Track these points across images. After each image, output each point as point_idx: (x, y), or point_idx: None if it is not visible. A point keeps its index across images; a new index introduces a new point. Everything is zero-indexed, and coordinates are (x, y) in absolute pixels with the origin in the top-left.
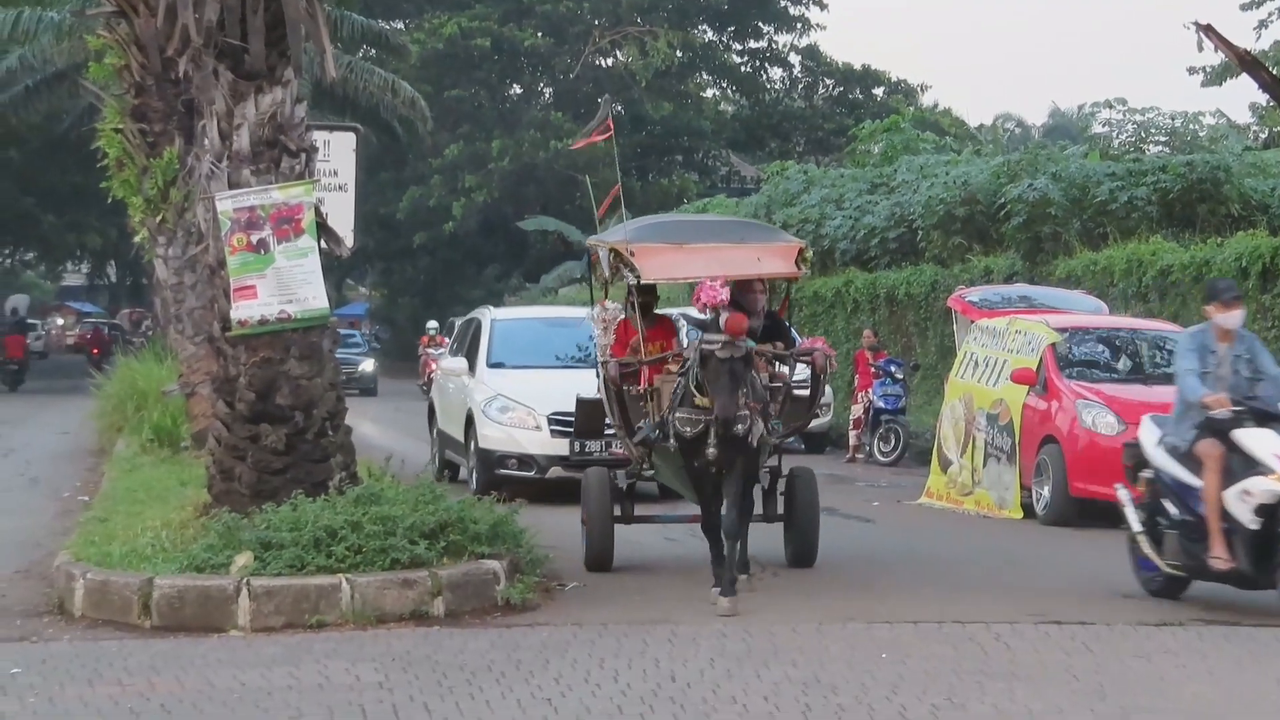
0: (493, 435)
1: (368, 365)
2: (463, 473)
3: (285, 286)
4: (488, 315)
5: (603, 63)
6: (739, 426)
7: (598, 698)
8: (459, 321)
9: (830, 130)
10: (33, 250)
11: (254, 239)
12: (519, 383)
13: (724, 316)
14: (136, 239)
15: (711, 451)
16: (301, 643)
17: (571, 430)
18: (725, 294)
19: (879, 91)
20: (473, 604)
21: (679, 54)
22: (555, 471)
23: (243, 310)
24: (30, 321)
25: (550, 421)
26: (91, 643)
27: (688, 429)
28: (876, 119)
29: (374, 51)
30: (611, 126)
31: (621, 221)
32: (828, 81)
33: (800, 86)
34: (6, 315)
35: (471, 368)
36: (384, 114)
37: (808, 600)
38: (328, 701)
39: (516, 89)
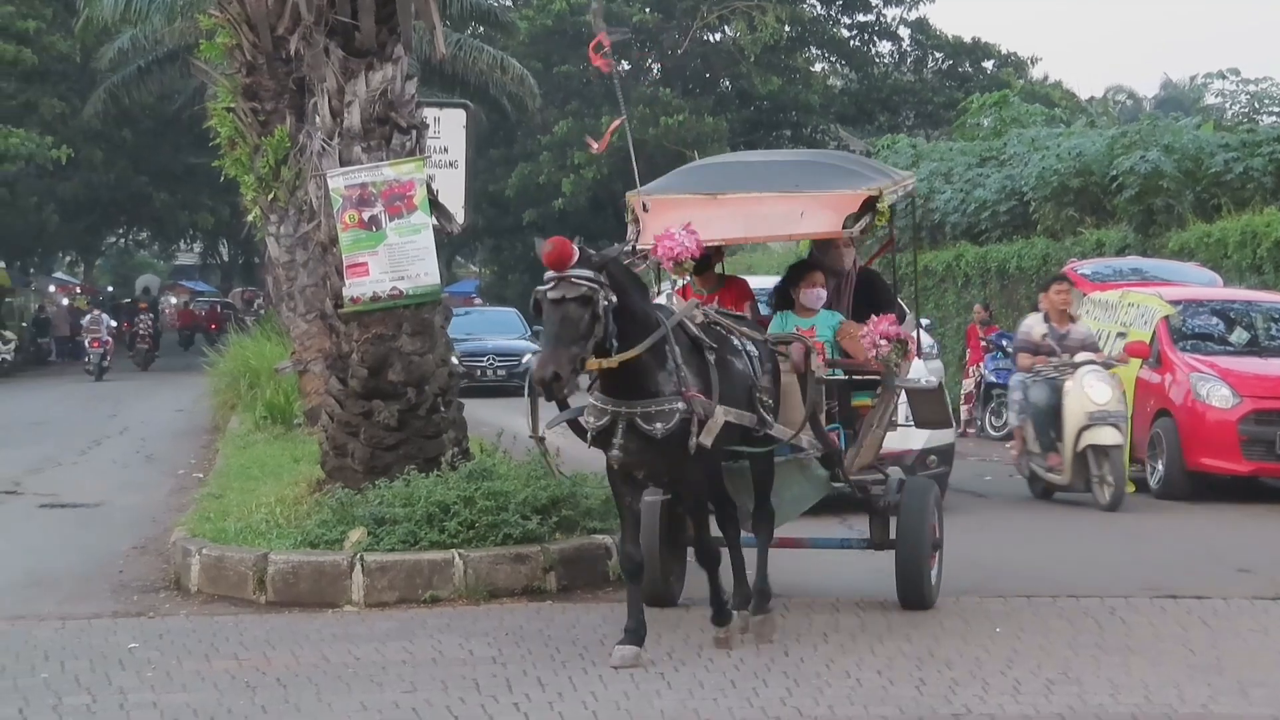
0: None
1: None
2: None
3: (397, 263)
4: None
5: (710, 38)
6: (658, 425)
7: (710, 672)
8: None
9: (940, 104)
10: (146, 230)
11: (366, 216)
12: None
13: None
14: (249, 217)
15: (615, 454)
16: (415, 618)
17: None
18: (690, 244)
19: (989, 64)
20: (585, 579)
21: (787, 28)
22: None
23: (355, 287)
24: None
25: None
26: (207, 618)
27: (592, 419)
28: (986, 92)
29: (482, 29)
30: (606, 43)
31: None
32: (937, 55)
33: (909, 60)
34: (139, 294)
35: None
36: (493, 91)
37: None
38: (442, 676)
39: (625, 65)
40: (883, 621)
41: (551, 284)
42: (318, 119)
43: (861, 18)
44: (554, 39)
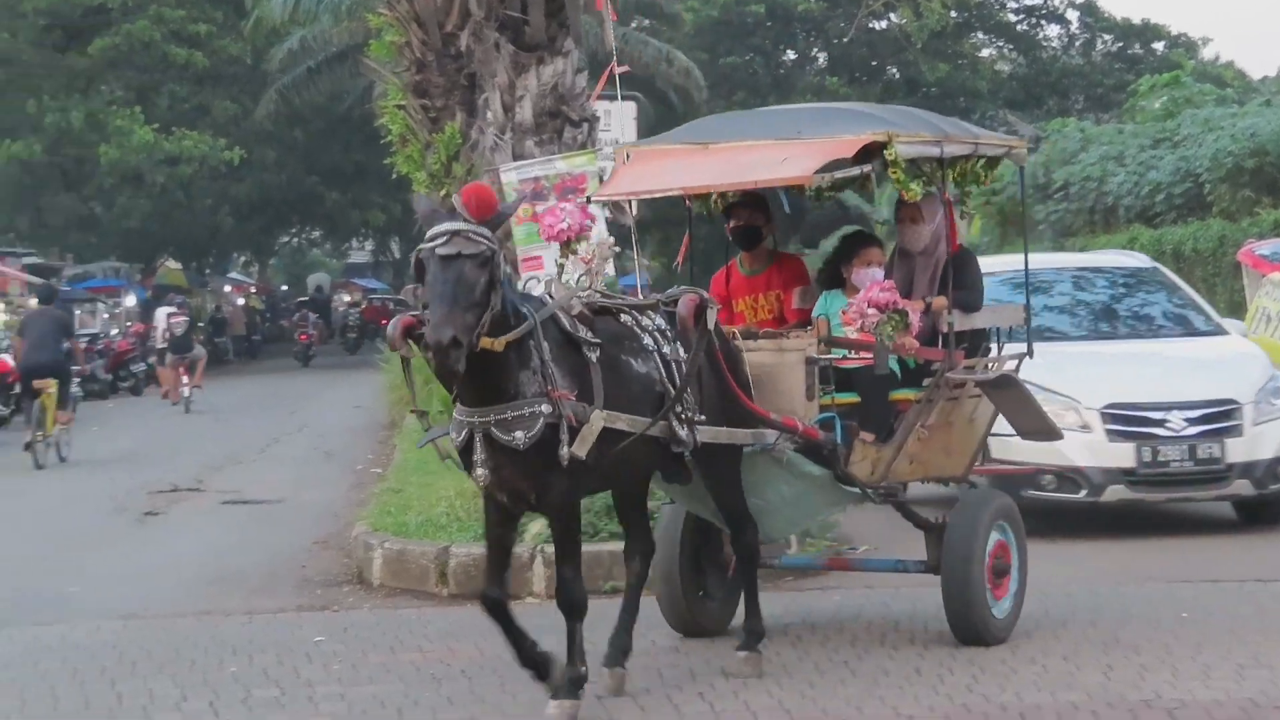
0: (1012, 441)
1: None
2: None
3: None
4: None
5: (877, 25)
6: (517, 433)
7: (895, 660)
8: None
9: (1110, 86)
10: (318, 229)
11: (539, 209)
12: (1053, 362)
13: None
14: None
15: (481, 473)
16: (596, 608)
17: (1137, 430)
18: (576, 221)
19: (1159, 46)
20: (763, 567)
21: (953, 14)
22: (1115, 492)
23: (530, 281)
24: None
25: (1106, 418)
26: (390, 610)
27: (453, 433)
28: (1156, 74)
29: (648, 21)
30: None
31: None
32: (1106, 37)
33: (1078, 43)
34: (312, 292)
35: None
36: (659, 84)
37: (1101, 560)
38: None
39: (790, 55)
40: (1066, 607)
41: (444, 238)
42: (489, 114)
43: (1029, 2)
44: (719, 30)
